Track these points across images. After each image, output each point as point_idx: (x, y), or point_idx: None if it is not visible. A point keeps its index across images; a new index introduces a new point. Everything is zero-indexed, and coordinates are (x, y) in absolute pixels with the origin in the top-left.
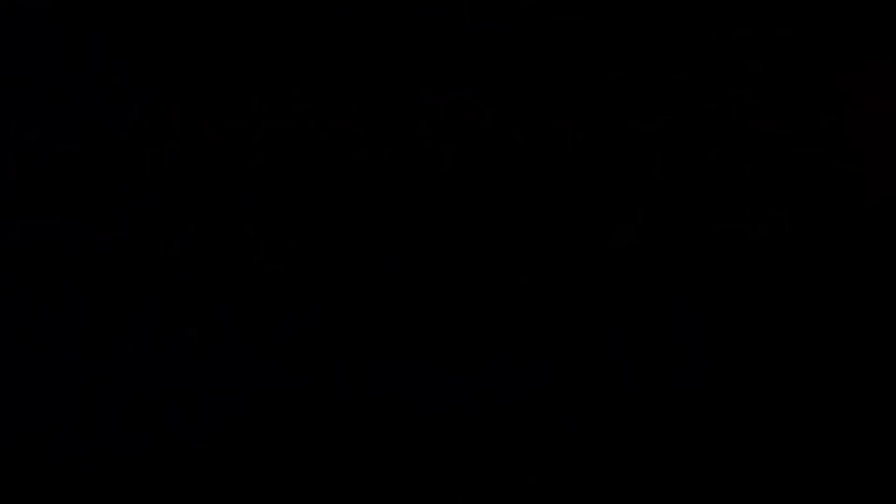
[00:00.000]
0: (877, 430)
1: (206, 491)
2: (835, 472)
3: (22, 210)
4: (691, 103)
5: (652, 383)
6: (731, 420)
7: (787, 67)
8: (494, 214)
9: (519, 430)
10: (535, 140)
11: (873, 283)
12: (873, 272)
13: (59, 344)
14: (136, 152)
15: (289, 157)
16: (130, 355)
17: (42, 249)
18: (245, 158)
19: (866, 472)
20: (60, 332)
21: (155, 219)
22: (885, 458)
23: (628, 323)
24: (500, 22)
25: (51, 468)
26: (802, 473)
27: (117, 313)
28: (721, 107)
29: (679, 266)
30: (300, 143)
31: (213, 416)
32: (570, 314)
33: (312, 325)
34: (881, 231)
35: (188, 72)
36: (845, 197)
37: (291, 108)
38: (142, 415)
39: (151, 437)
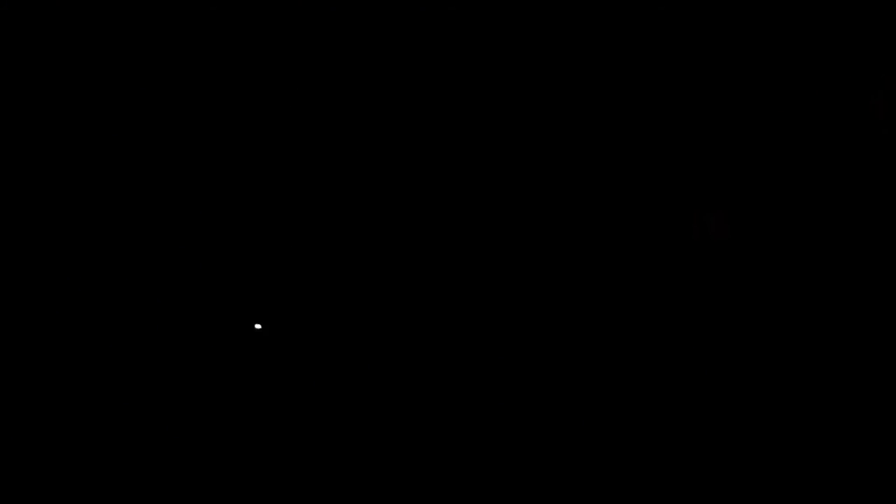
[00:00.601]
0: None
1: (205, 490)
2: (836, 472)
3: (22, 210)
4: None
5: (652, 383)
6: (733, 419)
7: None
8: (493, 215)
9: (519, 429)
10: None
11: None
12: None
13: (58, 343)
14: (137, 152)
15: (289, 156)
16: (128, 355)
17: (42, 249)
18: (245, 158)
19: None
20: (60, 332)
21: (155, 218)
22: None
23: (628, 322)
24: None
25: (51, 468)
26: (803, 473)
27: (117, 313)
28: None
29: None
30: (300, 141)
31: (211, 413)
32: (569, 314)
33: (308, 319)
34: None
35: (188, 71)
36: None
37: (291, 108)
38: (140, 415)
39: (151, 436)
